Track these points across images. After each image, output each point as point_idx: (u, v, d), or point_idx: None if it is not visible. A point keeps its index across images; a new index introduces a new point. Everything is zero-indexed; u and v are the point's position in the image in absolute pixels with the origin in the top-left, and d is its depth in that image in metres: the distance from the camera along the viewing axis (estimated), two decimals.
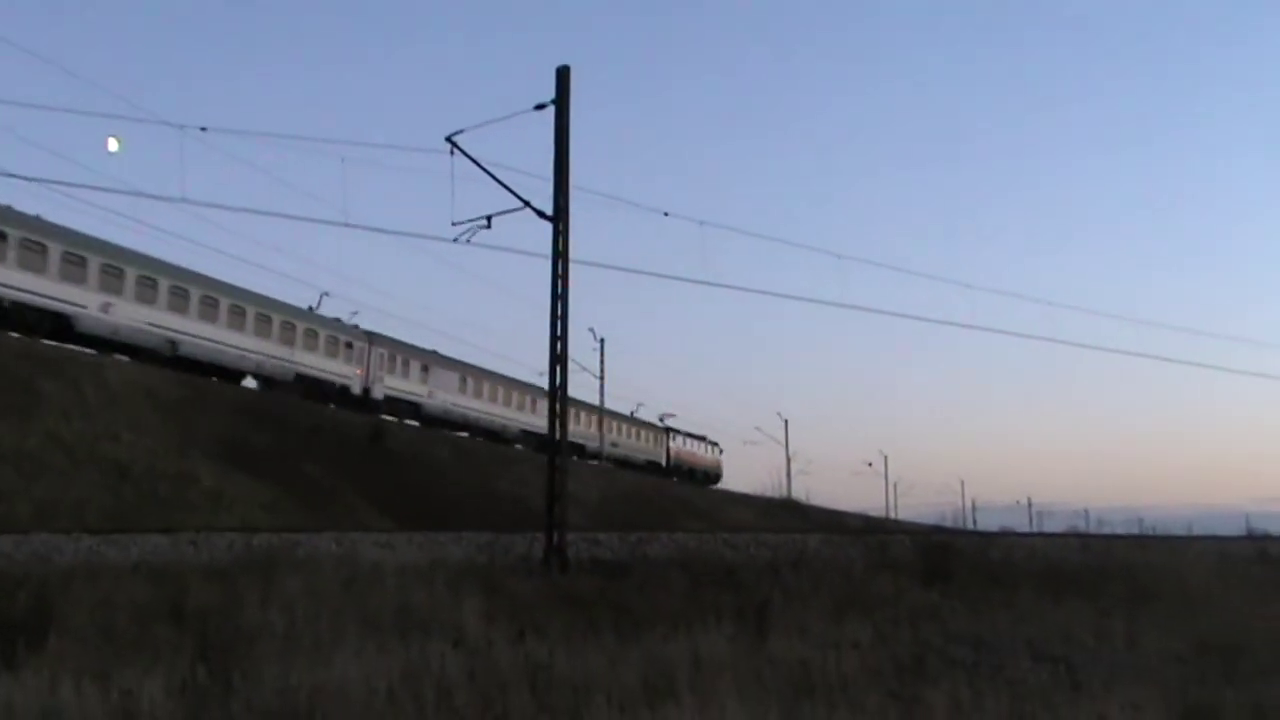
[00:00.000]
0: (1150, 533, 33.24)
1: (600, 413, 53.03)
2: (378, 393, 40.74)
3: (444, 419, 43.63)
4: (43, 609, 9.93)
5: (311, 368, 37.93)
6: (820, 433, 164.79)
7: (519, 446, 45.69)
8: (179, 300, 32.72)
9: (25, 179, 35.09)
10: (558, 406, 18.14)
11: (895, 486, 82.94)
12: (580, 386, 48.62)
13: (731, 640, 10.10)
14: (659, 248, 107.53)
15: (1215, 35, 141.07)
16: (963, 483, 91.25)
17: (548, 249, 18.24)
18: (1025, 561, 19.19)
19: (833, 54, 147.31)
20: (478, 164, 18.54)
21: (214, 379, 32.96)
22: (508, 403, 47.81)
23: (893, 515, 67.87)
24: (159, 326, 31.83)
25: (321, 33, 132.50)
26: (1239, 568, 19.66)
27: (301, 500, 25.93)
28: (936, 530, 31.97)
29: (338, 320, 40.59)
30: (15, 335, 26.95)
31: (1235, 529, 35.46)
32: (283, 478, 26.63)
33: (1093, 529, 46.89)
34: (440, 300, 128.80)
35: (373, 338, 41.26)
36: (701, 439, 66.65)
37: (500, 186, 18.45)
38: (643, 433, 60.17)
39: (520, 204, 18.44)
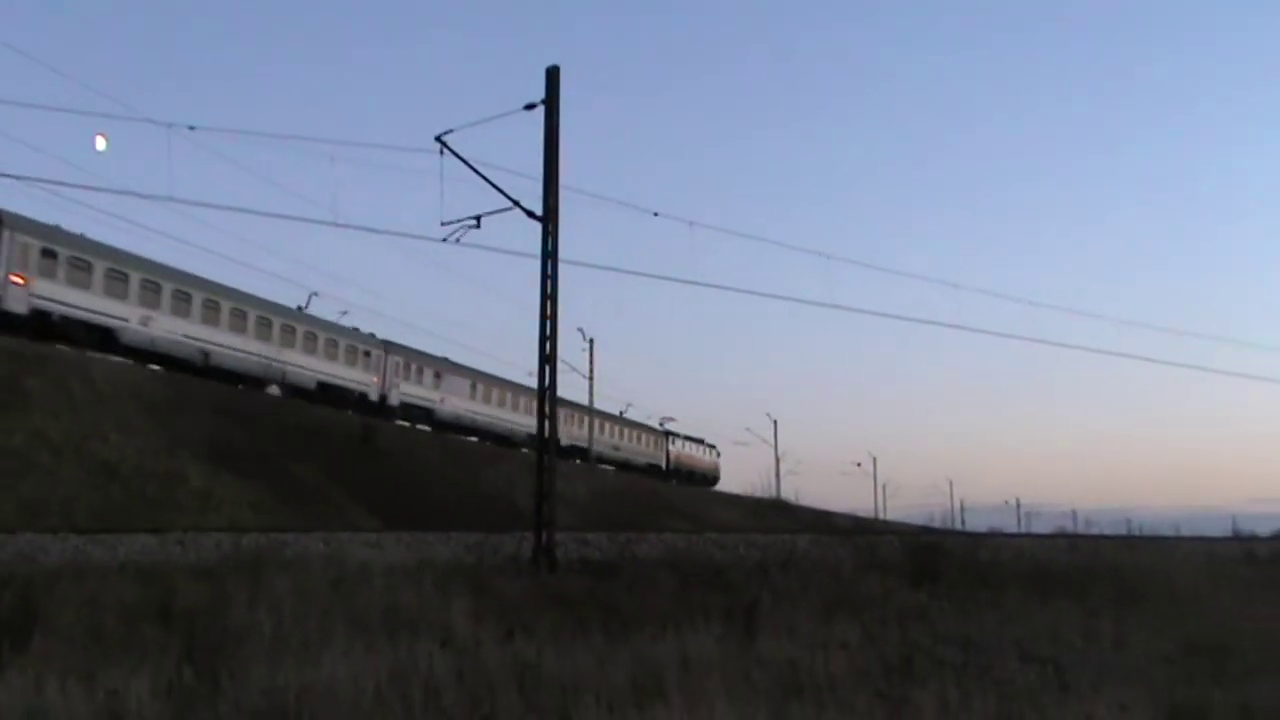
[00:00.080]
0: (1138, 533, 33.17)
1: (605, 417, 53.89)
2: (394, 399, 42.20)
3: (455, 424, 45.01)
4: (28, 609, 9.86)
5: (333, 376, 39.35)
6: (809, 433, 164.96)
7: (525, 450, 45.85)
8: (211, 313, 34.15)
9: (13, 178, 35.21)
10: (546, 406, 18.20)
11: (884, 487, 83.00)
12: (569, 387, 48.78)
13: (720, 640, 10.09)
14: (648, 248, 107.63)
15: (1203, 37, 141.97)
16: (951, 483, 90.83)
17: (537, 249, 18.25)
18: (1013, 562, 19.24)
19: (822, 56, 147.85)
20: (467, 164, 18.57)
21: (210, 380, 32.99)
22: (515, 408, 48.59)
23: (881, 516, 68.12)
24: (193, 338, 33.25)
25: (311, 32, 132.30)
26: (1226, 568, 19.76)
27: (289, 500, 25.84)
28: (925, 531, 32.02)
29: (356, 330, 41.85)
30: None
31: (1222, 530, 35.53)
32: (271, 478, 26.52)
33: (1081, 530, 46.85)
34: (430, 300, 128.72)
35: (389, 347, 42.63)
36: (700, 442, 67.13)
37: (490, 186, 18.52)
38: (644, 436, 60.80)
39: (510, 204, 18.47)
